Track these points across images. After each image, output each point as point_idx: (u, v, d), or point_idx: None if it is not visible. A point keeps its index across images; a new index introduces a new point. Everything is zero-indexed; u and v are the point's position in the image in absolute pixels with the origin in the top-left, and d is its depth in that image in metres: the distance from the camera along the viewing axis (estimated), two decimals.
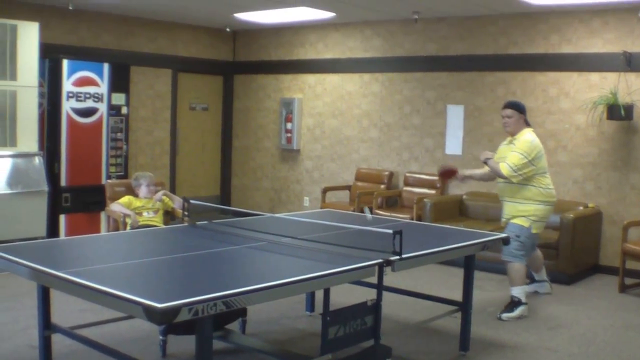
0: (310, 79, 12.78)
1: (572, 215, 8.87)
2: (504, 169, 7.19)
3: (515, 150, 7.22)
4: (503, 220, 7.58)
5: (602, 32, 9.57)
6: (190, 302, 3.58)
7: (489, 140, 10.45)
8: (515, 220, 7.35)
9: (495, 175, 7.46)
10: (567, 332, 6.88)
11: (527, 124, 7.51)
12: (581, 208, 9.35)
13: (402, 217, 9.67)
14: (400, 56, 11.54)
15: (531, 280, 8.27)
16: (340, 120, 12.35)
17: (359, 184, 11.75)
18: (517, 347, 6.37)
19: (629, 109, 9.10)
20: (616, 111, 9.06)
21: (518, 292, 7.44)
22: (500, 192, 7.55)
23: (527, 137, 7.33)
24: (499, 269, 9.11)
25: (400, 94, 11.57)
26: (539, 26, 10.07)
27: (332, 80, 12.47)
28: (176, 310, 3.50)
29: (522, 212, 7.32)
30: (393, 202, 11.40)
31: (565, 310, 7.67)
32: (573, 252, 8.86)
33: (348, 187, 11.96)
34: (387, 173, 11.53)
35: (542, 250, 8.83)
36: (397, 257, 4.82)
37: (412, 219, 9.86)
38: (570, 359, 6.11)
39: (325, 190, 11.77)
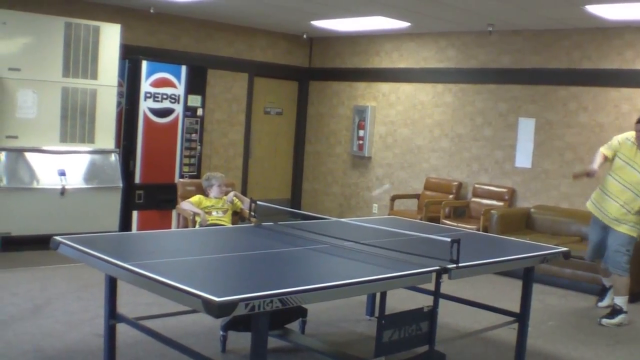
0: (384, 87, 12.89)
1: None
2: None
3: None
4: (606, 217, 7.71)
5: None
6: (247, 298, 3.71)
7: (559, 154, 10.43)
8: (623, 230, 7.57)
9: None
10: (626, 349, 6.86)
11: None
12: None
13: (468, 228, 9.70)
14: (473, 68, 11.59)
15: (603, 290, 8.45)
16: (411, 129, 12.43)
17: (428, 193, 11.81)
18: None
19: None
20: None
21: (621, 301, 7.71)
22: (628, 201, 7.57)
23: None
24: (563, 283, 9.15)
25: (472, 105, 11.61)
26: (614, 41, 10.03)
27: (405, 89, 12.56)
28: (233, 304, 3.64)
29: (630, 220, 7.54)
30: (461, 212, 11.44)
31: (626, 328, 7.62)
32: (636, 268, 8.79)
33: (417, 196, 12.02)
34: (456, 183, 11.58)
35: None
36: (454, 265, 4.89)
37: (478, 230, 9.89)
38: None
39: (393, 198, 11.85)
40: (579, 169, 8.06)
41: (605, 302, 8.27)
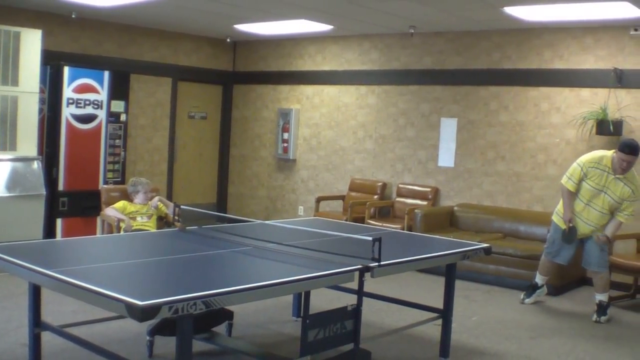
0: (308, 90, 12.96)
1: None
2: (626, 220, 7.83)
3: (635, 200, 7.71)
4: (590, 227, 7.91)
5: (594, 48, 9.74)
6: (171, 301, 3.73)
7: (481, 153, 10.61)
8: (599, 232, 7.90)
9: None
10: (548, 342, 7.01)
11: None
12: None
13: (393, 227, 9.82)
14: (396, 69, 11.72)
15: (534, 287, 8.55)
16: (336, 131, 12.52)
17: (353, 194, 11.90)
18: (497, 355, 6.51)
19: (617, 124, 9.26)
20: (605, 126, 9.24)
21: (606, 297, 7.98)
22: (600, 221, 7.88)
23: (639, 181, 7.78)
24: (487, 279, 9.31)
25: (395, 106, 11.74)
26: (533, 42, 10.24)
27: (329, 91, 12.65)
28: (157, 308, 3.66)
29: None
30: (386, 212, 11.56)
31: (549, 321, 7.80)
32: (560, 264, 8.97)
33: (342, 197, 12.11)
34: (380, 184, 11.69)
35: (527, 262, 9.05)
36: (376, 263, 4.96)
37: (403, 229, 10.01)
38: None
39: (319, 200, 11.92)
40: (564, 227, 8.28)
41: (531, 300, 8.48)
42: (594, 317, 7.88)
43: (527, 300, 8.46)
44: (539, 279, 8.47)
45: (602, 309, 7.91)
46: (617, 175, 7.63)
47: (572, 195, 7.89)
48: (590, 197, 7.76)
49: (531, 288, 8.54)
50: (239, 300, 4.17)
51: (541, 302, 8.52)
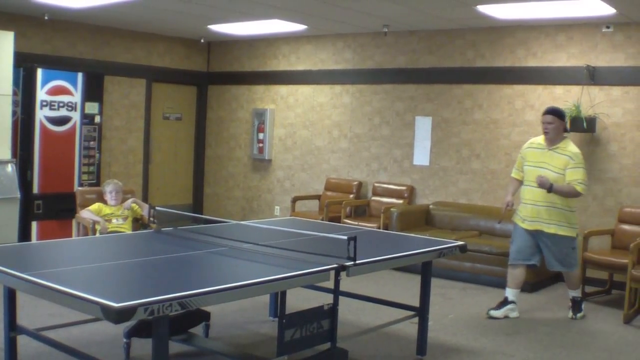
0: (283, 90, 12.96)
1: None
2: (580, 189, 7.45)
3: (578, 166, 7.49)
4: (536, 222, 7.65)
5: (567, 46, 9.80)
6: (147, 302, 3.73)
7: (456, 151, 10.65)
8: (563, 233, 7.59)
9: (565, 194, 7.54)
10: (524, 338, 7.06)
11: (565, 132, 7.82)
12: None
13: (369, 226, 9.84)
14: (370, 68, 11.75)
15: (503, 302, 7.95)
16: (311, 130, 12.53)
17: (329, 193, 11.92)
18: (473, 352, 6.54)
19: (591, 121, 9.32)
20: (579, 123, 9.28)
21: (579, 292, 8.02)
22: (541, 197, 7.57)
23: (577, 149, 7.64)
24: (463, 277, 9.35)
25: (370, 105, 11.76)
26: (506, 40, 10.29)
27: (303, 91, 12.66)
28: (132, 309, 3.65)
29: (569, 222, 7.62)
30: (362, 211, 11.58)
31: (525, 318, 7.84)
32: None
33: (318, 197, 12.13)
34: (356, 183, 11.71)
35: (504, 260, 9.04)
36: (352, 262, 4.98)
37: (379, 228, 10.03)
38: None
39: (294, 200, 11.92)
40: (500, 212, 8.18)
41: (499, 313, 7.85)
42: (570, 314, 7.91)
43: (493, 313, 7.85)
44: (509, 293, 7.96)
45: (576, 305, 7.94)
46: (552, 148, 7.59)
47: (514, 182, 7.98)
48: (531, 176, 7.64)
49: (502, 302, 7.97)
50: (214, 301, 4.17)
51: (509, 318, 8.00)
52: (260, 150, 13.10)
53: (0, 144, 9.86)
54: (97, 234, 7.86)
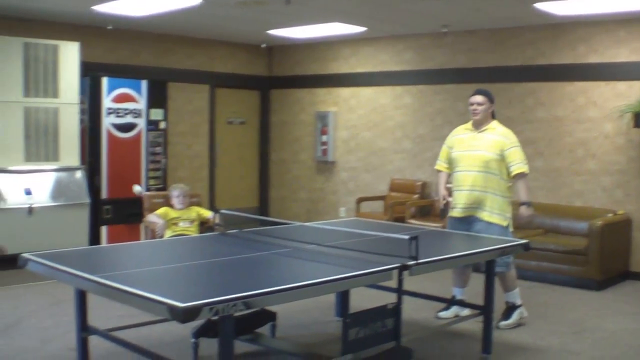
0: (345, 92, 13.03)
1: (600, 222, 9.01)
2: (524, 169, 7.10)
3: (514, 146, 7.10)
4: (468, 208, 7.21)
5: (628, 41, 9.70)
6: (212, 302, 3.82)
7: None
8: (495, 221, 7.11)
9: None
10: (591, 336, 7.02)
11: (493, 116, 7.37)
12: (610, 215, 9.46)
13: (433, 226, 9.85)
14: (431, 69, 11.76)
15: (450, 301, 7.55)
16: (374, 132, 12.58)
17: (393, 194, 11.96)
18: (539, 350, 6.53)
19: None
20: None
21: (514, 296, 7.39)
22: (476, 182, 7.15)
23: (508, 130, 7.27)
24: (529, 275, 9.30)
25: (431, 105, 11.77)
26: (566, 37, 10.22)
27: (365, 93, 12.71)
28: (197, 309, 3.74)
29: (502, 210, 7.15)
30: (426, 211, 11.57)
31: (592, 315, 7.80)
32: (602, 258, 8.97)
33: (382, 198, 12.17)
34: (420, 183, 11.74)
35: (569, 257, 9.02)
36: (414, 261, 5.02)
37: (444, 228, 10.02)
38: None
39: (359, 201, 11.98)
40: (438, 203, 7.81)
41: (449, 314, 7.55)
42: (495, 321, 6.82)
43: (443, 314, 7.56)
44: (457, 292, 7.62)
45: (507, 310, 7.37)
46: (481, 130, 7.22)
47: (444, 176, 7.50)
48: (464, 162, 7.22)
49: (449, 302, 7.57)
50: (278, 301, 4.25)
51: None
52: (324, 152, 13.18)
53: (69, 151, 10.10)
54: (165, 236, 7.99)
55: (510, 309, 7.37)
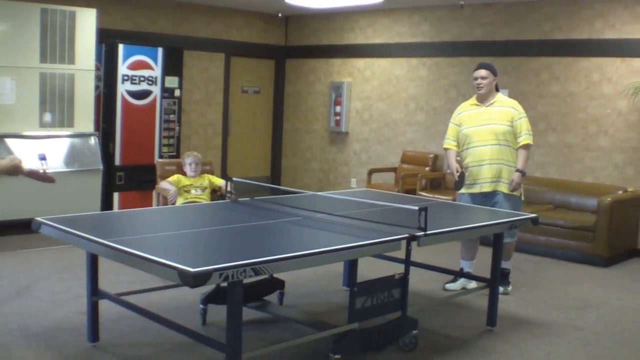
0: (360, 63, 13.04)
1: (609, 199, 9.02)
2: (530, 140, 7.25)
3: (522, 117, 7.28)
4: (485, 184, 7.31)
5: None
6: (221, 268, 3.88)
7: (533, 124, 10.39)
8: (509, 190, 7.26)
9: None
10: (596, 312, 7.06)
11: (497, 89, 7.46)
12: (620, 192, 9.47)
13: (444, 199, 9.88)
14: (447, 41, 11.75)
15: (458, 273, 7.58)
16: (387, 103, 12.60)
17: (405, 166, 11.99)
18: (544, 324, 6.58)
19: None
20: None
21: (508, 263, 7.60)
22: (494, 155, 7.28)
23: (514, 101, 7.47)
24: (537, 250, 9.35)
25: (446, 78, 11.78)
26: (584, 12, 10.19)
27: (380, 64, 12.72)
28: (207, 274, 3.81)
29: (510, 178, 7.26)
30: (437, 184, 11.62)
31: (597, 292, 7.83)
32: (610, 235, 9.00)
33: (394, 169, 12.21)
34: (432, 156, 11.76)
35: (577, 234, 9.05)
36: (422, 232, 5.07)
37: (454, 200, 10.06)
38: (594, 337, 6.30)
39: (370, 172, 12.03)
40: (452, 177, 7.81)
41: (456, 286, 7.62)
42: (501, 289, 7.05)
43: (449, 286, 7.61)
44: (465, 265, 7.70)
45: (505, 277, 7.50)
46: (489, 104, 7.33)
47: (454, 153, 7.54)
48: (477, 137, 7.31)
49: (458, 274, 7.61)
50: (287, 268, 4.31)
51: None
52: (337, 123, 13.21)
53: (84, 117, 10.14)
54: (178, 203, 8.05)
55: (507, 274, 7.56)
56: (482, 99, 7.39)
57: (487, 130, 7.27)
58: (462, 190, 7.48)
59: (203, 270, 3.81)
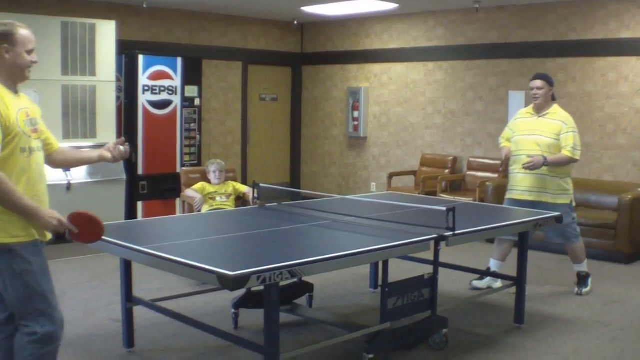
0: (376, 68, 13.13)
1: (630, 196, 9.08)
2: (572, 154, 7.24)
3: (570, 131, 7.28)
4: (543, 194, 7.34)
5: None
6: (259, 271, 3.99)
7: None
8: (560, 201, 7.31)
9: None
10: (621, 308, 7.13)
11: (554, 99, 7.60)
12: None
13: (465, 200, 9.97)
14: (462, 44, 11.83)
15: (484, 272, 7.69)
16: (405, 107, 12.68)
17: (424, 169, 12.08)
18: (570, 321, 6.65)
19: None
20: None
21: (585, 266, 7.72)
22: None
23: (567, 114, 7.49)
24: (559, 249, 9.36)
25: (463, 81, 11.86)
26: (597, 12, 10.26)
27: (397, 69, 12.81)
28: (246, 277, 3.91)
29: (565, 190, 7.38)
30: (457, 186, 11.71)
31: (621, 288, 7.89)
32: (631, 232, 9.06)
33: (413, 173, 12.29)
34: (451, 158, 11.85)
35: (599, 231, 9.10)
36: (451, 232, 5.16)
37: (475, 201, 10.15)
38: (621, 332, 6.37)
39: (391, 176, 12.11)
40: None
41: (482, 284, 7.72)
42: (575, 289, 7.61)
43: (476, 283, 7.74)
44: (493, 264, 7.77)
45: (582, 280, 7.67)
46: (542, 114, 7.43)
47: (507, 148, 7.61)
48: (524, 145, 7.40)
49: (485, 272, 7.74)
50: (322, 269, 4.42)
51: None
52: (356, 128, 13.31)
53: (106, 128, 10.27)
54: (203, 210, 8.16)
55: (585, 277, 7.69)
56: (538, 109, 7.51)
57: (532, 141, 7.38)
58: (508, 196, 7.63)
59: (242, 273, 3.91)
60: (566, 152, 7.24)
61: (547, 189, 7.33)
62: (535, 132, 7.39)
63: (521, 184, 7.44)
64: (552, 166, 7.23)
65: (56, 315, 4.20)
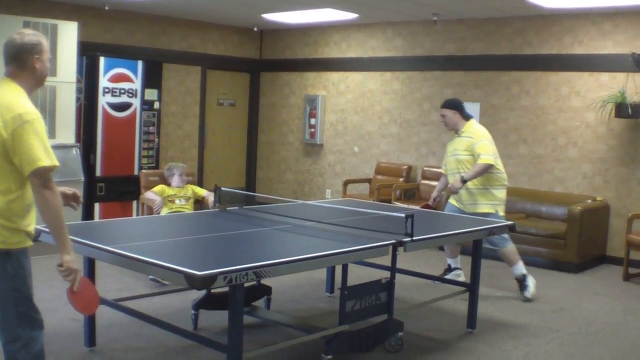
0: (334, 76, 13.29)
1: (579, 208, 9.33)
2: (485, 160, 7.69)
3: (478, 142, 7.81)
4: (466, 205, 7.95)
5: (613, 34, 9.98)
6: (226, 271, 4.11)
7: (503, 136, 10.86)
8: (486, 210, 7.83)
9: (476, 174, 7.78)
10: (570, 315, 7.36)
11: (466, 118, 8.04)
12: (589, 201, 9.78)
13: (418, 208, 10.11)
14: (420, 55, 12.02)
15: (447, 269, 8.48)
16: (361, 116, 12.85)
17: (379, 177, 12.23)
18: (521, 327, 6.86)
19: (636, 107, 9.47)
20: (624, 110, 9.46)
21: (519, 269, 7.97)
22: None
23: (479, 127, 8.06)
24: None
25: (419, 91, 12.05)
26: (553, 28, 10.50)
27: (354, 78, 12.97)
28: (213, 277, 4.03)
29: (489, 200, 7.89)
30: (411, 194, 11.88)
31: (570, 296, 8.14)
32: (580, 242, 9.31)
33: (368, 180, 12.46)
34: (405, 167, 12.02)
35: (549, 241, 9.35)
36: (409, 238, 5.33)
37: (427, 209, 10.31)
38: (570, 337, 6.59)
39: (346, 183, 12.27)
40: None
41: (451, 276, 8.27)
42: (521, 295, 7.90)
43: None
44: (452, 261, 8.50)
45: (521, 283, 7.95)
46: (459, 134, 7.98)
47: (444, 181, 8.40)
48: (449, 165, 8.11)
49: (446, 270, 8.50)
50: (286, 271, 4.58)
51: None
52: (312, 135, 13.45)
53: (65, 129, 10.28)
54: (162, 213, 8.24)
55: (522, 279, 7.95)
56: (455, 131, 8.09)
57: (454, 160, 8.06)
58: (451, 202, 8.21)
59: (209, 273, 4.02)
60: (479, 161, 7.73)
61: (474, 201, 7.89)
62: (455, 151, 8.02)
63: (456, 197, 8.10)
64: (474, 179, 7.78)
65: (37, 317, 4.27)
